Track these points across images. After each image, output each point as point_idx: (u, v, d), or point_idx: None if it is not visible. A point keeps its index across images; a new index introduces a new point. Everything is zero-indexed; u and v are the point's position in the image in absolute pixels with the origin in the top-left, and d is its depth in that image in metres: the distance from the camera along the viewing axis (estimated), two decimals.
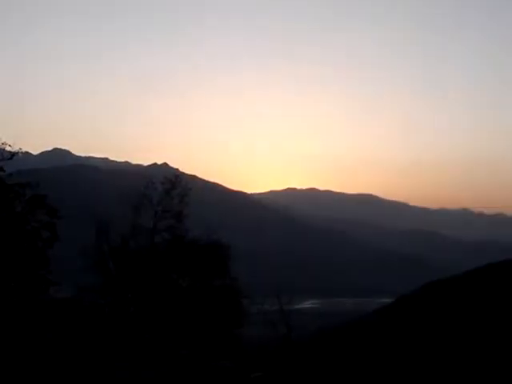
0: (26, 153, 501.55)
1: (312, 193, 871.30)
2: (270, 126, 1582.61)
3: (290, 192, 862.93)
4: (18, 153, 40.04)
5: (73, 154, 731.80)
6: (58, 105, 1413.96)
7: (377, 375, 50.79)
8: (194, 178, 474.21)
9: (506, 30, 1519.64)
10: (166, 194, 39.61)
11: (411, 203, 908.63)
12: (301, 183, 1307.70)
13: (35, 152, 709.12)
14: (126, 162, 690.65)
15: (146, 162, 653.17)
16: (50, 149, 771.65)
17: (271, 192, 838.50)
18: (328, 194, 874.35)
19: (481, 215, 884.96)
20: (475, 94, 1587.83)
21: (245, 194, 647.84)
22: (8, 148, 39.30)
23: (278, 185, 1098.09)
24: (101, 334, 35.87)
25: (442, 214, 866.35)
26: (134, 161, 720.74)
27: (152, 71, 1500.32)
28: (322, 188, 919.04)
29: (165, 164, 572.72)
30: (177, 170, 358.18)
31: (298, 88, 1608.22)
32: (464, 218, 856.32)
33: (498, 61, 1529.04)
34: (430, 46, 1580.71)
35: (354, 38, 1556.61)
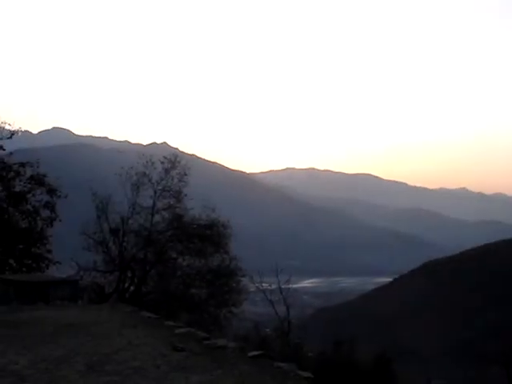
0: (26, 132, 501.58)
1: (311, 172, 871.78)
2: (270, 106, 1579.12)
3: (290, 172, 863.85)
4: (17, 132, 40.02)
5: (72, 133, 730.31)
6: (57, 84, 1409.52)
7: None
8: (193, 157, 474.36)
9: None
10: (165, 174, 39.62)
11: (410, 183, 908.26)
12: (300, 163, 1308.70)
13: (35, 131, 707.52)
14: (126, 141, 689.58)
15: (145, 142, 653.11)
16: (49, 128, 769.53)
17: (271, 172, 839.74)
18: (327, 173, 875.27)
19: (480, 195, 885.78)
20: (474, 74, 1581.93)
21: (244, 173, 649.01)
22: (8, 127, 39.29)
23: (278, 164, 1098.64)
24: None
25: (442, 194, 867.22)
26: (134, 140, 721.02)
27: (153, 52, 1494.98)
28: (321, 168, 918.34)
29: (164, 143, 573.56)
30: (176, 149, 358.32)
31: (298, 69, 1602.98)
32: (463, 197, 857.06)
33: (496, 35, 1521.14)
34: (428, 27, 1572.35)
35: (349, 18, 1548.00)
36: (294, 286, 58.33)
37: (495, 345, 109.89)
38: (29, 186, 39.37)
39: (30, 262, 38.24)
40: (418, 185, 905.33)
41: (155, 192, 39.54)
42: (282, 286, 46.06)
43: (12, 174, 39.05)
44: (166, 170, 39.64)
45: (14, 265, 37.57)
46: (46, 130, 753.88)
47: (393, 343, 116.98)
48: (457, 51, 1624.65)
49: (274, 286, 46.79)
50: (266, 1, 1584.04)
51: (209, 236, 39.34)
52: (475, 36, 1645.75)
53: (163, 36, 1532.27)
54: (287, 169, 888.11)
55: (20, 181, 39.45)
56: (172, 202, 40.02)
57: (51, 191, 39.61)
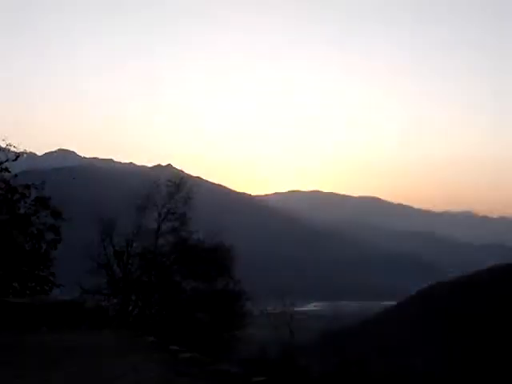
0: (31, 153, 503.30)
1: (316, 195, 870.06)
2: (274, 128, 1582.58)
3: (294, 194, 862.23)
4: (22, 154, 40.04)
5: (77, 155, 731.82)
6: (63, 106, 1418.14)
7: (382, 378, 50.67)
8: (198, 179, 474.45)
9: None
10: (170, 197, 39.63)
11: (415, 206, 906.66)
12: (304, 185, 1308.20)
13: (40, 153, 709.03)
14: (131, 163, 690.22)
15: (150, 163, 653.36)
16: (54, 150, 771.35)
17: (275, 194, 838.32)
18: (332, 196, 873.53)
19: (485, 218, 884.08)
20: (480, 95, 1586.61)
21: (249, 195, 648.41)
22: (13, 149, 39.32)
23: (282, 187, 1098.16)
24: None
25: (446, 217, 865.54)
26: (139, 162, 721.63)
27: (157, 72, 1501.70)
28: (325, 190, 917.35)
29: (169, 165, 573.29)
30: (181, 171, 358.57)
31: (301, 89, 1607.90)
32: (468, 220, 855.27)
33: (503, 60, 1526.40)
34: (434, 46, 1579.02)
35: (357, 41, 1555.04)
36: (299, 309, 58.13)
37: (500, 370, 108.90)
38: (33, 208, 39.31)
39: (33, 284, 38.11)
40: (422, 207, 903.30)
41: (160, 215, 39.52)
42: (287, 310, 45.92)
43: (17, 195, 39.03)
44: (170, 194, 39.66)
45: (18, 287, 37.45)
46: (51, 152, 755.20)
47: (398, 367, 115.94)
48: (461, 71, 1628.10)
49: (278, 310, 46.67)
50: (266, 25, 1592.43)
51: (213, 259, 39.25)
52: (482, 63, 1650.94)
53: (168, 59, 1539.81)
54: (292, 191, 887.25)
55: (25, 203, 39.40)
56: (176, 225, 39.98)
57: (56, 214, 39.55)
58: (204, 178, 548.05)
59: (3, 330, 21.56)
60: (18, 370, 13.59)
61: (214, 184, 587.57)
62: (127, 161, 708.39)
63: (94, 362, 14.59)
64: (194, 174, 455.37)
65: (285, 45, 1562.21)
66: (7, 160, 39.24)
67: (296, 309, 48.75)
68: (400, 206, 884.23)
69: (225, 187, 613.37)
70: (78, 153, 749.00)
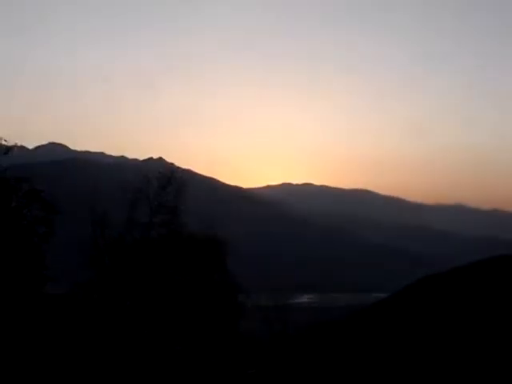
0: (22, 147, 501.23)
1: (308, 187, 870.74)
2: (266, 120, 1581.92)
3: (286, 187, 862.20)
4: (13, 147, 39.93)
5: (68, 149, 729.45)
6: (53, 99, 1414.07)
7: (371, 371, 50.84)
8: (189, 172, 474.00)
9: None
10: (161, 190, 39.57)
11: (407, 198, 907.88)
12: (297, 178, 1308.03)
13: (31, 146, 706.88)
14: (122, 157, 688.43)
15: (141, 157, 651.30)
16: (45, 143, 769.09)
17: (267, 187, 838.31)
18: (324, 188, 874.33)
19: (477, 210, 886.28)
20: (474, 88, 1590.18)
21: (241, 188, 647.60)
22: (4, 142, 39.21)
23: (274, 179, 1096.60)
24: (97, 330, 35.88)
25: (438, 209, 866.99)
26: (130, 155, 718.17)
27: (148, 65, 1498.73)
28: (317, 183, 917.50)
29: (160, 158, 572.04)
30: (172, 164, 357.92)
31: (295, 83, 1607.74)
32: (460, 213, 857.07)
33: (499, 54, 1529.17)
34: (431, 43, 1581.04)
35: (354, 34, 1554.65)
36: (291, 302, 58.26)
37: None
38: (25, 201, 39.18)
39: (26, 277, 37.96)
40: (414, 200, 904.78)
41: (151, 208, 39.46)
42: (279, 302, 45.98)
43: (8, 189, 38.88)
44: (162, 187, 39.58)
45: (10, 281, 37.31)
46: (41, 146, 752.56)
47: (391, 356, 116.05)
48: (455, 67, 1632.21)
49: (270, 303, 46.73)
50: (263, 19, 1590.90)
51: (206, 252, 39.24)
52: (476, 47, 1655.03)
53: (161, 52, 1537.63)
54: (284, 184, 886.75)
55: (16, 196, 39.26)
56: (168, 218, 39.92)
57: (47, 207, 39.43)
58: (195, 171, 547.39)
59: None
60: None
61: (205, 177, 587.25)
62: (119, 154, 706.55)
63: None
64: (185, 167, 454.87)
65: (279, 33, 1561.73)
66: None
67: (288, 301, 48.84)
68: (391, 198, 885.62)
69: (216, 180, 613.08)
70: (69, 146, 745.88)
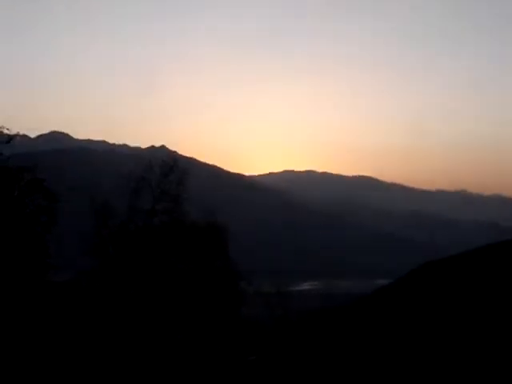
0: (24, 136, 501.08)
1: (310, 175, 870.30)
2: (269, 108, 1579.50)
3: (288, 174, 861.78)
4: (15, 136, 40.00)
5: (71, 137, 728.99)
6: (56, 88, 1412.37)
7: (373, 358, 50.97)
8: (191, 160, 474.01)
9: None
10: (164, 178, 39.67)
11: (409, 185, 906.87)
12: (299, 165, 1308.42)
13: (33, 135, 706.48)
14: (125, 145, 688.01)
15: (144, 145, 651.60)
16: (47, 132, 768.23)
17: (269, 174, 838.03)
18: (326, 175, 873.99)
19: (478, 196, 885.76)
20: (473, 77, 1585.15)
21: (243, 176, 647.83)
22: (6, 131, 39.29)
23: (277, 167, 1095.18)
24: (100, 317, 36.09)
25: (440, 195, 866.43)
26: (133, 143, 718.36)
27: (151, 54, 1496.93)
28: (320, 170, 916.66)
29: (163, 146, 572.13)
30: (175, 152, 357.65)
31: (296, 70, 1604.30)
32: (462, 199, 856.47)
33: (497, 45, 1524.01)
34: (429, 30, 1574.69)
35: (352, 26, 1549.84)
36: (293, 288, 58.46)
37: None
38: (27, 190, 39.29)
39: (29, 266, 38.15)
40: (416, 186, 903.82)
41: (154, 196, 39.58)
42: (281, 289, 46.14)
43: (10, 178, 38.99)
44: (164, 174, 39.68)
45: (14, 269, 37.50)
46: (43, 135, 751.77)
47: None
48: (456, 53, 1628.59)
49: (272, 289, 46.87)
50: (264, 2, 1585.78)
51: (208, 239, 39.39)
52: (475, 42, 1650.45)
53: (162, 40, 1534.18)
54: (286, 171, 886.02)
55: (18, 185, 39.38)
56: (171, 206, 40.04)
57: (49, 196, 39.55)
58: (198, 159, 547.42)
59: None
60: None
61: (207, 165, 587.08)
62: (121, 142, 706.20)
63: None
64: (187, 154, 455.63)
65: (280, 20, 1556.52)
66: (0, 142, 39.20)
67: (290, 288, 48.99)
68: (394, 185, 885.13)
69: (219, 168, 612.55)
70: (71, 135, 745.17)
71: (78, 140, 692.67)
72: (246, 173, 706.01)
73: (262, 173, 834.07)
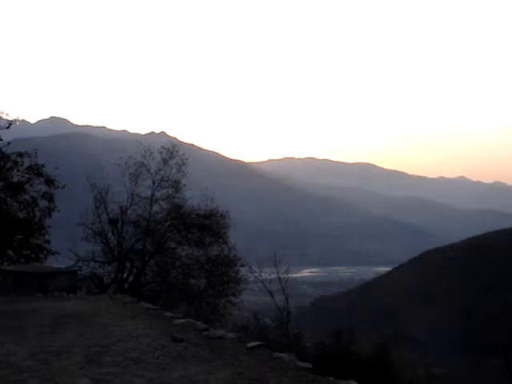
0: (23, 121, 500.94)
1: (310, 161, 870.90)
2: (269, 95, 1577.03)
3: (289, 161, 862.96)
4: (15, 121, 39.93)
5: (70, 123, 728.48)
6: (55, 73, 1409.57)
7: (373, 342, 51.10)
8: (191, 146, 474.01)
9: None
10: (163, 163, 39.58)
11: (409, 172, 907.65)
12: (299, 152, 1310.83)
13: (32, 121, 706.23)
14: (124, 131, 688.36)
15: (143, 131, 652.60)
16: (47, 117, 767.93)
17: (270, 161, 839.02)
18: (326, 162, 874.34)
19: (479, 183, 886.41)
20: (471, 64, 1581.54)
21: (243, 162, 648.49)
22: (5, 117, 39.23)
23: (277, 154, 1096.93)
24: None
25: (440, 183, 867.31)
26: (132, 129, 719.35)
27: (150, 39, 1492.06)
28: (320, 157, 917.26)
29: (162, 133, 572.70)
30: (174, 138, 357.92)
31: (296, 55, 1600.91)
32: (462, 186, 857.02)
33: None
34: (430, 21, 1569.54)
35: (354, 16, 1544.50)
36: (293, 275, 58.41)
37: (494, 333, 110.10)
38: (27, 176, 39.31)
39: (28, 252, 38.23)
40: (416, 174, 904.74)
41: (154, 182, 39.54)
42: (281, 276, 46.12)
43: (10, 164, 38.98)
44: (164, 160, 39.60)
45: (13, 255, 37.57)
46: (43, 120, 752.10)
47: (392, 332, 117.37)
48: (451, 46, 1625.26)
49: (273, 276, 46.86)
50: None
51: (208, 226, 39.36)
52: (476, 34, 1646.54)
53: (160, 25, 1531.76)
54: (286, 158, 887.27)
55: (18, 171, 39.39)
56: (170, 192, 40.01)
57: (49, 181, 39.57)
58: (198, 146, 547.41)
59: None
60: (14, 336, 13.68)
61: (207, 151, 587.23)
62: (120, 128, 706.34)
63: (89, 328, 14.68)
64: (187, 141, 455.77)
65: (284, 11, 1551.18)
66: None
67: (291, 275, 48.84)
68: (394, 172, 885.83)
69: (219, 154, 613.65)
70: (70, 120, 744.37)
71: (77, 126, 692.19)
72: (246, 160, 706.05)
73: (262, 160, 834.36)
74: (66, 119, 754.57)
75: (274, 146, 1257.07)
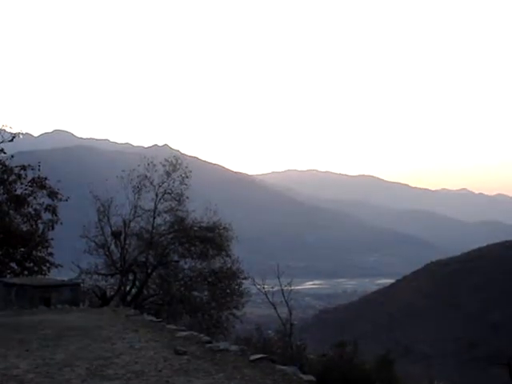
0: (27, 134, 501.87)
1: (312, 174, 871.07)
2: (271, 108, 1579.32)
3: (291, 173, 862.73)
4: (18, 134, 39.98)
5: (73, 136, 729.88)
6: (58, 86, 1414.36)
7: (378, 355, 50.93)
8: (194, 159, 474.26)
9: None
10: (166, 176, 39.62)
11: (412, 184, 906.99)
12: (301, 165, 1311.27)
13: (36, 133, 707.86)
14: (127, 144, 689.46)
15: (146, 144, 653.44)
16: (50, 130, 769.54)
17: (272, 173, 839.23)
18: (328, 174, 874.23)
19: (481, 196, 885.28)
20: (473, 74, 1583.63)
21: (246, 175, 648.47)
22: (9, 129, 39.27)
23: (279, 166, 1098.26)
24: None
25: (443, 195, 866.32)
26: (135, 142, 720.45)
27: (153, 52, 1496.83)
28: (322, 169, 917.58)
29: (165, 145, 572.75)
30: (177, 151, 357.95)
31: (298, 69, 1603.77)
32: (464, 198, 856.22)
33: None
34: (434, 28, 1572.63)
35: (359, 17, 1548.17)
36: (296, 287, 58.36)
37: (497, 345, 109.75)
38: (30, 188, 39.32)
39: (31, 265, 38.20)
40: (419, 186, 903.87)
41: (157, 194, 39.55)
42: (284, 288, 46.06)
43: (13, 176, 39.01)
44: (167, 173, 39.62)
45: (16, 268, 37.56)
46: (47, 133, 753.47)
47: (396, 344, 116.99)
48: (454, 53, 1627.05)
49: (276, 288, 46.79)
50: (266, 5, 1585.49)
51: (210, 238, 39.31)
52: (477, 43, 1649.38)
53: (164, 39, 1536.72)
54: (289, 170, 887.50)
55: (21, 184, 39.40)
56: (173, 205, 40.01)
57: (52, 194, 39.58)
58: (201, 158, 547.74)
59: (1, 309, 21.65)
60: (17, 349, 13.68)
61: (210, 164, 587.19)
62: (123, 141, 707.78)
63: (92, 342, 14.68)
64: (190, 154, 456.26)
65: (283, 22, 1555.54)
66: (3, 141, 39.18)
67: (294, 287, 48.73)
68: (397, 184, 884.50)
69: (222, 167, 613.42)
70: (74, 133, 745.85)
71: (80, 138, 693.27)
72: (249, 172, 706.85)
73: (264, 172, 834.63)
74: (69, 132, 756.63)
75: (276, 159, 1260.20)
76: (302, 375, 11.21)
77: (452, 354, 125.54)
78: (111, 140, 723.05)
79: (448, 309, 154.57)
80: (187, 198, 40.36)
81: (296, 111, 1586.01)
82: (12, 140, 39.35)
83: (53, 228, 39.62)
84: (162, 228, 40.23)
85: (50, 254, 39.38)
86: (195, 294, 39.76)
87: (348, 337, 58.73)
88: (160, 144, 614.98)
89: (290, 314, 44.34)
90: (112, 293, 38.50)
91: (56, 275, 37.78)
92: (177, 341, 14.68)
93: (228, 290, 39.67)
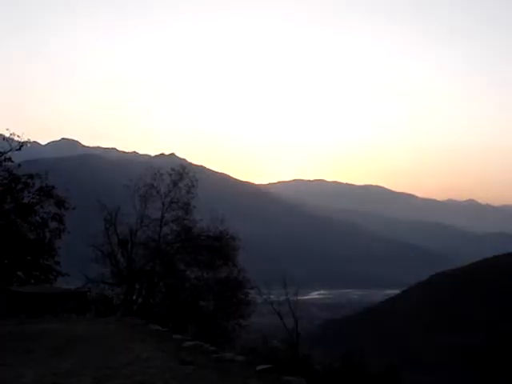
0: (35, 143, 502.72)
1: (320, 183, 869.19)
2: (278, 116, 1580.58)
3: (298, 183, 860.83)
4: (26, 143, 40.05)
5: (81, 144, 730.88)
6: (66, 95, 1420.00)
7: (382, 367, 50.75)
8: (201, 168, 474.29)
9: None
10: (173, 185, 39.60)
11: (419, 195, 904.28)
12: (308, 174, 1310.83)
13: (43, 142, 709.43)
14: (134, 153, 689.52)
15: (153, 153, 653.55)
16: (58, 139, 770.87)
17: (279, 183, 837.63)
18: (335, 185, 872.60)
19: (488, 206, 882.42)
20: (482, 85, 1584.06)
21: (253, 184, 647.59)
22: (16, 138, 39.35)
23: (286, 176, 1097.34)
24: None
25: (450, 206, 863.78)
26: (142, 151, 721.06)
27: (161, 62, 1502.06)
28: (329, 179, 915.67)
29: (172, 154, 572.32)
30: (184, 160, 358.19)
31: (304, 78, 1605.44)
32: (471, 209, 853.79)
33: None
34: (436, 33, 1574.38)
35: (363, 26, 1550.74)
36: (303, 297, 58.20)
37: (505, 356, 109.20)
38: (37, 197, 39.38)
39: (38, 273, 38.20)
40: (426, 196, 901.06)
41: (163, 204, 39.53)
42: (290, 298, 45.97)
43: (20, 185, 39.10)
44: (173, 182, 39.61)
45: (23, 276, 37.56)
46: (54, 141, 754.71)
47: (401, 355, 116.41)
48: (464, 62, 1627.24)
49: (282, 298, 46.70)
50: (268, 15, 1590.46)
51: (217, 248, 39.25)
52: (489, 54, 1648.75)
53: (171, 48, 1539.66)
54: (295, 180, 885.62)
55: (28, 192, 39.48)
56: (180, 214, 39.98)
57: (59, 203, 39.62)
58: (207, 167, 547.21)
59: (8, 318, 21.65)
60: (23, 358, 13.66)
61: (217, 173, 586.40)
62: (130, 150, 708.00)
63: (98, 351, 14.65)
64: (197, 163, 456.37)
65: (289, 32, 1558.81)
66: (11, 149, 39.30)
67: (300, 297, 48.62)
68: (403, 194, 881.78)
69: (228, 176, 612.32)
70: (81, 142, 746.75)
71: (88, 147, 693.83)
72: (256, 181, 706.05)
73: (271, 181, 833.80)
74: (76, 141, 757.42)
75: (283, 168, 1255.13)
76: None
77: (459, 364, 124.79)
78: (118, 148, 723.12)
79: (455, 319, 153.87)
80: (194, 207, 40.34)
81: (303, 120, 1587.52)
82: (20, 149, 39.42)
83: (60, 237, 39.65)
84: (169, 237, 40.20)
85: (57, 263, 39.39)
86: (201, 303, 39.71)
87: (353, 347, 58.56)
88: (167, 153, 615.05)
89: (296, 323, 44.22)
90: (118, 302, 38.49)
91: (63, 284, 37.80)
92: (183, 351, 14.63)
93: (234, 300, 39.62)
